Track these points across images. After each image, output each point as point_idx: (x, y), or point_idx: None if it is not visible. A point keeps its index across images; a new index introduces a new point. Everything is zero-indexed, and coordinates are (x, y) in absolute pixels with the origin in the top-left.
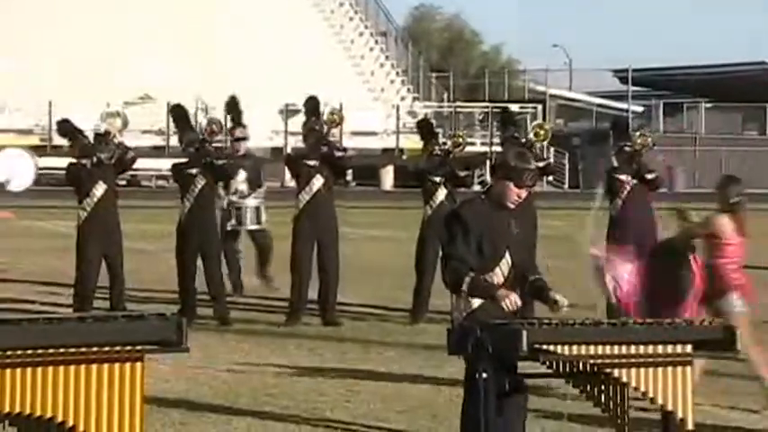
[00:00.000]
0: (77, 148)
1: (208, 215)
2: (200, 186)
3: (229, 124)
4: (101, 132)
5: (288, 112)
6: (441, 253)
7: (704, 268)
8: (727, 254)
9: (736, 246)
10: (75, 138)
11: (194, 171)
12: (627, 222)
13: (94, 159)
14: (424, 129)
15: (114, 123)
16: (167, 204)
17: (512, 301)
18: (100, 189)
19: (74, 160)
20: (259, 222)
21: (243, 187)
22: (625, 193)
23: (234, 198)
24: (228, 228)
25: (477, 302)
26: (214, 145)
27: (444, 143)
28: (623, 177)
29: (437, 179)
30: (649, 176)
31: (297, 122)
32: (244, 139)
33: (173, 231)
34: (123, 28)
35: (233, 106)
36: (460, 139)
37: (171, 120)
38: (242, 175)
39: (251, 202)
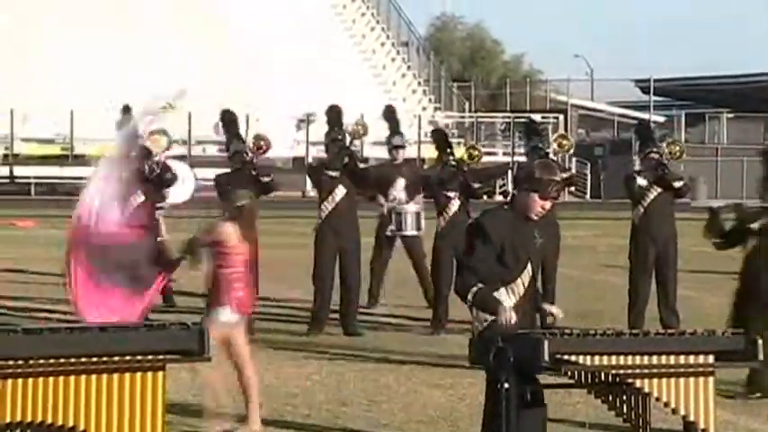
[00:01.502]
0: None
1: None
2: None
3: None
4: (145, 147)
5: (308, 122)
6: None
7: (211, 276)
8: (231, 262)
9: (241, 253)
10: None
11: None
12: (648, 231)
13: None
14: (439, 139)
15: (159, 142)
16: (183, 214)
17: (508, 318)
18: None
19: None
20: (419, 228)
21: (402, 195)
22: (648, 200)
23: (393, 204)
24: (388, 233)
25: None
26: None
27: (461, 159)
28: (642, 182)
29: (450, 193)
30: (677, 184)
31: (317, 132)
32: (402, 147)
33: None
34: (142, 37)
35: (390, 115)
36: (476, 152)
37: (221, 124)
38: (401, 182)
39: (411, 207)
